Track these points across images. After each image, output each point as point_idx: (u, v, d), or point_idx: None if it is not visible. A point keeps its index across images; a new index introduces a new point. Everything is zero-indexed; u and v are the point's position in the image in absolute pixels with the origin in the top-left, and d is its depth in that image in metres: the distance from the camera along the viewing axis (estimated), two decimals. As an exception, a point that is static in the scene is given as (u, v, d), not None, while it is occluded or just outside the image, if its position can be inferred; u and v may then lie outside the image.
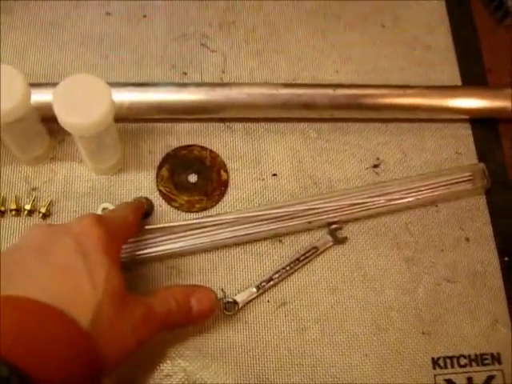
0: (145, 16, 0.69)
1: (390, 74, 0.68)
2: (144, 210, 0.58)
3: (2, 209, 0.58)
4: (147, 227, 0.57)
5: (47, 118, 0.56)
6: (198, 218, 0.59)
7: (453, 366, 0.57)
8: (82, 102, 0.51)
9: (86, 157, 0.58)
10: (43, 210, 0.58)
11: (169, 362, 0.55)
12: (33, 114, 0.55)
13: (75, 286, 0.43)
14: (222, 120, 0.63)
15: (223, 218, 0.58)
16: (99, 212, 0.59)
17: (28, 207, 0.58)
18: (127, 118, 0.60)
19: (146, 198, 0.59)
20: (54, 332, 0.40)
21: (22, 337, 0.38)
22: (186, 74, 0.66)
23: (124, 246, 0.55)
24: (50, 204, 0.59)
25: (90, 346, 0.41)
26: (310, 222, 0.59)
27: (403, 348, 0.57)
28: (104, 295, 0.43)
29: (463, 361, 0.57)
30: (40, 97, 0.56)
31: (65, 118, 0.50)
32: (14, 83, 0.51)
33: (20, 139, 0.57)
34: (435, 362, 0.57)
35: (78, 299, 0.42)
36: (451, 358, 0.57)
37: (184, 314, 0.50)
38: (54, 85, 0.54)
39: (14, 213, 0.58)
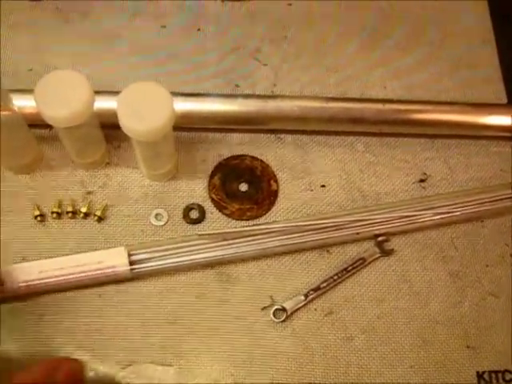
0: (199, 29, 0.71)
1: (436, 91, 0.69)
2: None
3: (59, 211, 0.60)
4: (199, 233, 0.58)
5: (105, 125, 0.59)
6: (249, 226, 0.60)
7: (498, 381, 0.57)
8: (145, 109, 0.52)
9: (143, 163, 0.59)
10: (99, 214, 0.60)
11: (217, 367, 0.55)
12: (94, 120, 0.56)
13: None
14: (273, 131, 0.65)
15: (273, 226, 0.59)
16: (152, 218, 0.60)
17: (84, 210, 0.60)
18: (181, 127, 0.62)
19: None
20: None
21: None
22: (238, 86, 0.67)
23: (172, 252, 0.57)
24: (106, 208, 0.60)
25: None
26: (357, 234, 0.60)
27: (448, 361, 0.57)
28: None
29: (508, 376, 0.57)
30: (100, 103, 0.57)
31: (128, 123, 0.52)
32: (80, 88, 0.53)
33: (79, 144, 0.59)
34: (480, 376, 0.57)
35: None
36: (496, 372, 0.57)
37: None
38: (113, 92, 0.56)
39: (70, 215, 0.60)
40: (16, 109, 0.55)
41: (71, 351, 0.55)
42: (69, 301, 0.57)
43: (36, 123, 0.60)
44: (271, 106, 0.63)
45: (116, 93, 0.58)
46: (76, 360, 0.51)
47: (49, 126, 0.59)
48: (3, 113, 0.54)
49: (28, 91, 0.59)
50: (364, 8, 0.74)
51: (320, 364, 0.56)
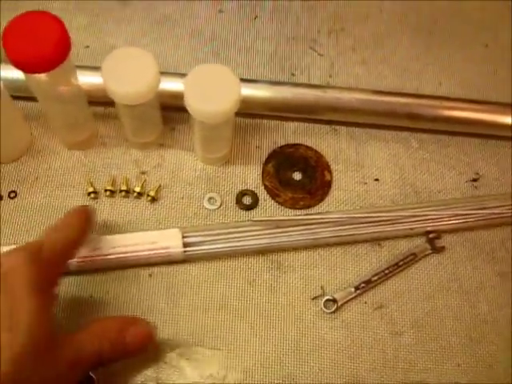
0: (256, 17, 0.71)
1: (490, 91, 0.69)
2: (89, 215, 0.53)
3: (112, 189, 0.60)
4: (253, 219, 0.58)
5: (164, 106, 0.59)
6: (303, 215, 0.60)
7: (544, 384, 0.57)
8: (213, 91, 0.52)
9: (200, 145, 0.59)
10: (152, 194, 0.60)
11: (265, 353, 0.55)
12: (156, 100, 0.56)
13: None
14: (329, 122, 0.65)
15: (327, 216, 0.59)
16: (205, 202, 0.60)
17: (138, 189, 0.60)
18: (238, 112, 0.61)
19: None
20: None
21: None
22: (294, 75, 0.67)
23: (225, 237, 0.57)
24: (159, 189, 0.60)
25: None
26: (410, 229, 0.59)
27: (495, 362, 0.57)
28: (25, 343, 0.40)
29: (555, 379, 0.57)
30: (162, 84, 0.57)
31: (195, 104, 0.52)
32: (147, 67, 0.53)
33: (138, 123, 0.59)
34: (526, 379, 0.57)
35: None
36: (542, 375, 0.57)
37: (118, 350, 0.47)
38: (175, 74, 0.56)
39: (123, 194, 0.60)
40: (79, 84, 0.55)
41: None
42: (119, 279, 0.57)
43: (93, 100, 0.60)
44: (329, 96, 0.62)
45: (178, 74, 0.58)
46: (149, 324, 0.50)
47: (106, 104, 0.59)
48: (67, 88, 0.53)
49: (86, 68, 0.59)
50: (421, 5, 0.74)
51: (368, 357, 0.56)
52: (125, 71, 0.52)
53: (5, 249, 0.48)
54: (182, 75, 0.58)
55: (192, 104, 0.52)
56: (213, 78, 0.53)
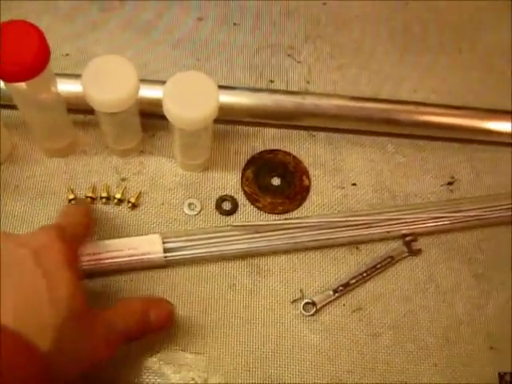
0: (235, 24, 0.72)
1: (465, 97, 0.70)
2: (90, 209, 0.57)
3: (93, 196, 0.60)
4: (233, 224, 0.59)
5: (143, 113, 0.60)
6: (282, 220, 0.60)
7: (519, 382, 0.58)
8: (191, 98, 0.53)
9: (180, 152, 0.60)
10: (133, 200, 0.60)
11: (249, 357, 0.56)
12: (136, 107, 0.57)
13: (34, 307, 0.41)
14: (307, 128, 0.66)
15: (306, 221, 0.60)
16: (185, 207, 0.61)
17: (118, 196, 0.60)
18: (217, 119, 0.62)
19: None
20: (8, 356, 0.38)
21: None
22: (272, 81, 0.68)
23: (205, 242, 0.58)
24: (139, 195, 0.61)
25: (45, 369, 0.40)
26: (388, 232, 0.60)
27: (471, 361, 0.58)
28: (65, 315, 0.42)
29: (530, 378, 0.58)
30: (141, 91, 0.58)
31: (174, 111, 0.53)
32: (127, 74, 0.53)
33: (118, 130, 0.59)
34: (501, 377, 0.58)
35: (36, 320, 0.40)
36: (517, 374, 0.58)
37: (143, 328, 0.49)
38: (154, 81, 0.57)
39: (104, 200, 0.61)
40: (58, 92, 0.55)
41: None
42: (100, 286, 0.58)
43: (73, 108, 0.61)
44: (307, 102, 0.63)
45: (158, 82, 0.59)
46: (170, 303, 0.53)
47: (86, 111, 0.60)
48: (47, 96, 0.54)
49: (66, 75, 0.60)
50: (399, 10, 0.75)
51: (347, 359, 0.57)
52: (105, 79, 0.53)
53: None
54: (162, 82, 0.59)
55: (171, 111, 0.53)
56: (192, 85, 0.54)
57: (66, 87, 0.59)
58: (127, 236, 0.59)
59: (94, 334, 0.45)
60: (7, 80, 0.50)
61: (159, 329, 0.51)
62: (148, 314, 0.50)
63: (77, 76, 0.59)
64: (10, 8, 0.68)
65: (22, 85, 0.51)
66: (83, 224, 0.53)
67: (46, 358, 0.40)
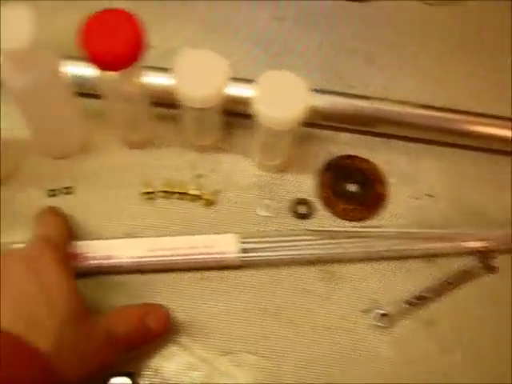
0: (315, 25, 0.71)
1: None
2: (59, 212, 0.57)
3: (168, 190, 0.60)
4: (311, 229, 0.58)
5: (224, 110, 0.59)
6: (359, 228, 0.60)
7: None
8: (282, 97, 0.52)
9: (260, 151, 0.59)
10: (208, 197, 0.60)
11: (317, 364, 0.55)
12: (220, 105, 0.56)
13: (32, 310, 0.42)
14: (384, 135, 0.65)
15: (382, 230, 0.59)
16: (260, 208, 0.60)
17: (193, 192, 0.60)
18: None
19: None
20: (10, 358, 0.39)
21: None
22: (350, 86, 0.67)
23: (280, 245, 0.57)
24: (215, 193, 0.60)
25: (48, 371, 0.40)
26: (465, 247, 0.59)
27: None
28: (63, 317, 0.43)
29: None
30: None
31: (265, 109, 0.52)
32: (218, 70, 0.53)
33: (200, 125, 0.59)
34: None
35: (35, 323, 0.41)
36: None
37: (143, 335, 0.50)
38: (236, 79, 0.56)
39: (178, 196, 0.60)
40: (144, 84, 0.55)
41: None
42: (171, 281, 0.57)
43: (154, 100, 0.60)
44: (386, 109, 0.63)
45: (240, 79, 0.58)
46: (163, 306, 0.53)
47: (166, 105, 0.60)
48: (133, 87, 0.54)
49: (150, 68, 0.59)
50: (479, 23, 0.74)
51: (417, 373, 0.56)
52: (196, 74, 0.53)
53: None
54: (246, 80, 0.58)
55: (262, 109, 0.52)
56: (282, 84, 0.53)
57: (150, 79, 0.58)
58: (201, 233, 0.58)
59: (94, 337, 0.46)
60: (101, 68, 0.49)
61: (158, 334, 0.51)
62: (146, 320, 0.50)
63: (161, 69, 0.58)
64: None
65: (114, 74, 0.50)
66: (62, 233, 0.53)
67: (48, 359, 0.40)
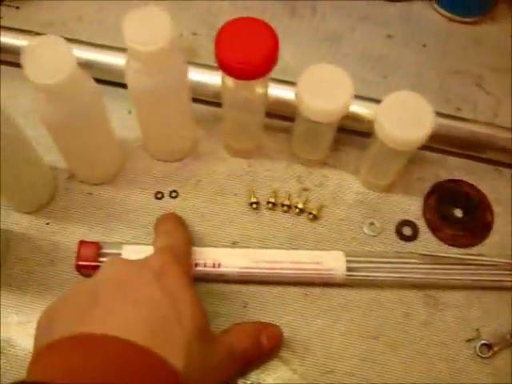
0: (424, 45, 0.71)
1: None
2: (181, 220, 0.57)
3: (274, 201, 0.59)
4: (420, 253, 0.57)
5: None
6: (463, 254, 0.59)
7: None
8: (407, 119, 0.52)
9: (368, 170, 0.59)
10: (314, 212, 0.59)
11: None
12: (337, 121, 0.55)
13: (164, 326, 0.41)
14: (492, 162, 0.64)
15: (488, 259, 0.58)
16: (365, 227, 0.59)
17: (300, 206, 0.59)
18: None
19: None
20: (147, 374, 0.38)
21: (112, 377, 0.36)
22: (459, 109, 0.66)
23: (386, 266, 0.56)
24: (321, 208, 0.60)
25: None
26: None
27: None
28: (192, 334, 0.42)
29: None
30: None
31: (392, 130, 0.51)
32: (343, 85, 0.52)
33: (312, 140, 0.59)
34: None
35: (168, 339, 0.40)
36: None
37: (257, 351, 0.51)
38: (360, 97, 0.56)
39: (284, 208, 0.60)
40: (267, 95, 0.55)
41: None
42: (274, 294, 0.57)
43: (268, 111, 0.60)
44: (498, 136, 0.62)
45: (358, 97, 0.57)
46: (276, 325, 0.53)
47: (279, 116, 0.61)
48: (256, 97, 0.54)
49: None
50: None
51: (518, 409, 0.54)
52: (322, 88, 0.52)
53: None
54: (365, 99, 0.58)
55: (387, 129, 0.51)
56: (407, 106, 0.52)
57: (271, 91, 0.58)
58: (305, 248, 0.58)
59: (217, 353, 0.46)
60: (234, 76, 0.49)
61: (270, 351, 0.52)
62: (260, 337, 0.51)
63: (281, 81, 0.58)
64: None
65: (241, 83, 0.50)
66: (187, 240, 0.54)
67: (181, 378, 0.39)
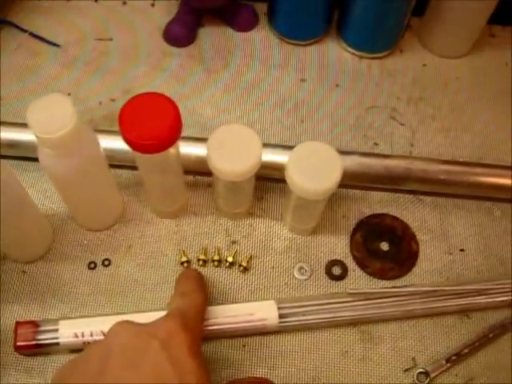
0: (337, 85, 0.73)
1: None
2: (201, 277, 0.57)
3: (205, 258, 0.61)
4: (350, 291, 0.59)
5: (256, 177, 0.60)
6: (392, 287, 0.60)
7: None
8: (316, 168, 0.54)
9: (292, 216, 0.60)
10: (244, 264, 0.61)
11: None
12: (253, 177, 0.57)
13: None
14: (413, 192, 0.66)
15: (419, 289, 0.60)
16: (296, 272, 0.61)
17: (230, 259, 0.61)
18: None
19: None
20: None
21: None
22: (376, 144, 0.69)
23: (318, 308, 0.58)
24: (251, 258, 0.61)
25: None
26: (501, 301, 0.60)
27: None
28: None
29: None
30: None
31: (300, 180, 0.53)
32: (252, 144, 0.54)
33: (234, 195, 0.60)
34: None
35: None
36: None
37: None
38: (273, 146, 0.58)
39: (215, 263, 0.61)
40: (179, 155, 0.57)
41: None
42: (215, 348, 0.58)
43: (186, 170, 0.62)
44: (415, 168, 0.63)
45: (270, 145, 0.59)
46: (270, 381, 0.53)
47: (197, 173, 0.63)
48: (170, 161, 0.55)
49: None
50: (497, 72, 0.76)
51: (460, 432, 0.56)
52: (230, 149, 0.54)
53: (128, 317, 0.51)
54: (278, 147, 0.60)
55: (296, 181, 0.53)
56: (316, 155, 0.54)
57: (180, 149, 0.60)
58: (239, 299, 0.59)
59: None
60: (140, 151, 0.51)
61: None
62: None
63: (189, 138, 0.60)
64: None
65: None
66: (199, 303, 0.53)
67: None
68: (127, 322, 0.48)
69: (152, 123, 0.50)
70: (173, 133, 0.50)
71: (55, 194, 0.63)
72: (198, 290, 0.54)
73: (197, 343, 0.47)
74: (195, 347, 0.46)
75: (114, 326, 0.47)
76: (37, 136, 0.47)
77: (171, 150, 0.53)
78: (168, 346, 0.44)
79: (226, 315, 0.57)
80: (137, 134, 0.49)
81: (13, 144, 0.63)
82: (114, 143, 0.62)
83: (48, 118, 0.47)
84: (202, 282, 0.56)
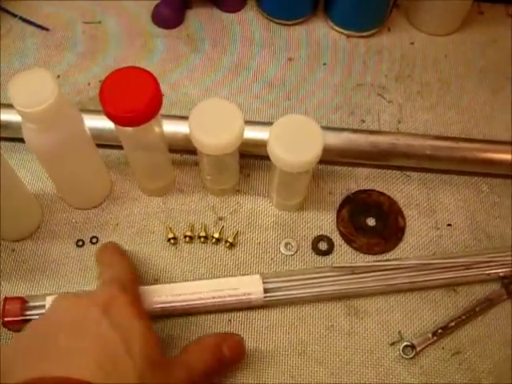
0: (325, 64, 0.73)
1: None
2: (118, 247, 0.59)
3: (191, 235, 0.61)
4: (335, 265, 0.59)
5: (242, 153, 0.61)
6: (380, 261, 0.60)
7: None
8: (297, 141, 0.54)
9: (277, 192, 0.61)
10: (230, 240, 0.61)
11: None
12: (237, 149, 0.57)
13: (113, 359, 0.42)
14: (400, 168, 0.66)
15: (404, 263, 0.60)
16: (282, 247, 0.61)
17: (216, 235, 0.61)
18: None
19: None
20: None
21: None
22: (364, 121, 0.69)
23: (303, 283, 0.58)
24: (237, 235, 0.61)
25: None
26: (487, 274, 0.60)
27: None
28: (144, 364, 0.43)
29: None
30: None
31: (280, 154, 0.53)
32: (234, 118, 0.54)
33: (219, 171, 0.60)
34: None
35: (117, 374, 0.41)
36: None
37: (219, 363, 0.50)
38: (255, 123, 0.58)
39: (202, 240, 0.61)
40: (163, 133, 0.57)
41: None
42: (198, 324, 0.58)
43: (172, 148, 0.62)
44: (402, 143, 0.63)
45: (256, 123, 0.60)
46: (237, 334, 0.54)
47: (184, 151, 0.63)
48: (153, 137, 0.56)
49: (167, 116, 0.61)
50: (486, 49, 0.76)
51: (446, 404, 0.56)
52: (212, 123, 0.54)
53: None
54: (261, 123, 0.60)
55: (277, 154, 0.53)
56: (297, 127, 0.55)
57: (168, 128, 0.60)
58: (226, 275, 0.59)
59: (175, 379, 0.46)
60: (120, 124, 0.51)
61: (233, 361, 0.52)
62: (221, 347, 0.51)
63: (176, 117, 0.60)
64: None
65: (131, 129, 0.52)
66: (130, 271, 0.54)
67: None
68: (66, 295, 0.49)
69: (132, 96, 0.50)
70: (152, 105, 0.50)
71: (44, 174, 0.63)
72: (122, 258, 0.56)
73: (139, 305, 0.48)
74: (138, 308, 0.47)
75: (54, 301, 0.48)
76: (18, 110, 0.48)
77: (154, 127, 0.53)
78: (108, 310, 0.45)
79: (210, 289, 0.57)
80: (116, 106, 0.49)
81: (2, 125, 0.63)
82: (101, 122, 0.62)
83: (30, 92, 0.48)
84: (121, 250, 0.58)
